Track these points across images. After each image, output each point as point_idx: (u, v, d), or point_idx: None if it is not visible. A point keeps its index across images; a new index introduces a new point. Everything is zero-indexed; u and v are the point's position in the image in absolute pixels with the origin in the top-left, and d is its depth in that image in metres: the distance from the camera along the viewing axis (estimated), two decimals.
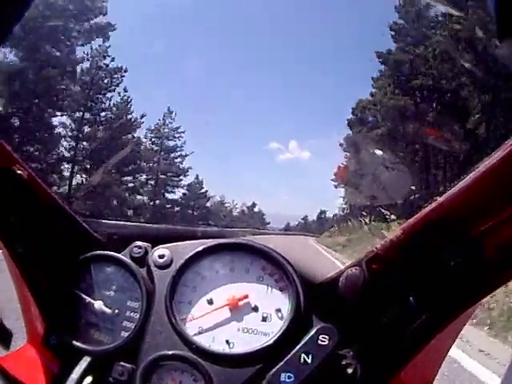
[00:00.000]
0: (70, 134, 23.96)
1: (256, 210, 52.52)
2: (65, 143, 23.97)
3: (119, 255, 0.64)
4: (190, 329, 0.57)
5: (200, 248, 0.61)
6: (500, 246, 0.48)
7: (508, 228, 0.47)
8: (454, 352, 3.75)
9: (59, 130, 23.46)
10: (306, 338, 0.55)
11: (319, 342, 0.54)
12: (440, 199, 0.49)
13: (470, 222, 0.49)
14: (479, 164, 0.45)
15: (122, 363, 0.57)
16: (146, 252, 0.64)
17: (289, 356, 0.54)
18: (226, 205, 47.30)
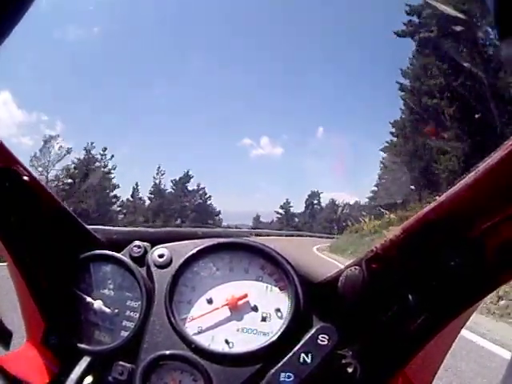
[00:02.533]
0: None
1: (191, 187, 35.20)
2: None
3: (118, 255, 0.64)
4: (190, 328, 0.57)
5: (199, 247, 0.61)
6: (500, 246, 0.48)
7: (508, 228, 0.47)
8: None
9: None
10: (306, 337, 0.55)
11: (319, 342, 0.54)
12: (440, 199, 0.49)
13: (469, 221, 0.49)
14: (479, 164, 0.45)
15: (121, 363, 0.57)
16: (146, 251, 0.64)
17: (288, 356, 0.54)
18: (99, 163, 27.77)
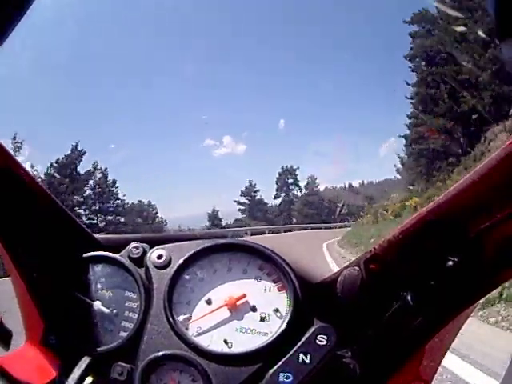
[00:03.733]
0: None
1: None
2: None
3: (117, 256, 0.64)
4: (189, 329, 0.57)
5: (198, 248, 0.61)
6: (498, 245, 0.48)
7: (505, 227, 0.47)
8: None
9: None
10: (305, 337, 0.55)
11: (318, 342, 0.54)
12: (438, 199, 0.49)
13: (467, 221, 0.49)
14: (477, 164, 0.46)
15: (120, 363, 0.57)
16: (144, 252, 0.64)
17: (287, 356, 0.54)
18: None
